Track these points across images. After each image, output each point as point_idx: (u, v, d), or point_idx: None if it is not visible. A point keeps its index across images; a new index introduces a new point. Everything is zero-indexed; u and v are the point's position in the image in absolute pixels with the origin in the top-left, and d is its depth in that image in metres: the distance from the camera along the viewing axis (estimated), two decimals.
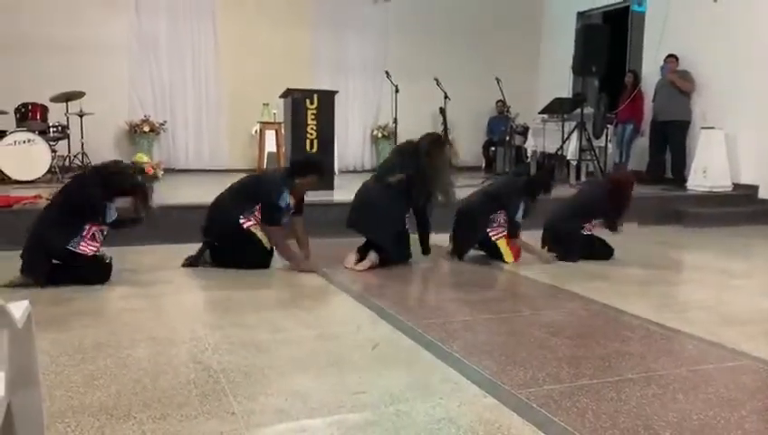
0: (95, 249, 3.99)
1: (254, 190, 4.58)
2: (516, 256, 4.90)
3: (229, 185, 4.72)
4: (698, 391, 2.48)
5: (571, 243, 5.01)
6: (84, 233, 3.93)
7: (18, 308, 1.53)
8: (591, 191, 5.59)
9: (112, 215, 4.03)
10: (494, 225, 4.91)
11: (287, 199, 4.53)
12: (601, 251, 5.08)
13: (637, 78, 9.10)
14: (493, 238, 4.90)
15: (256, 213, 4.48)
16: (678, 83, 8.26)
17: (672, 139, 8.40)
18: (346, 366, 2.68)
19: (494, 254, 4.93)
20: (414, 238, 4.89)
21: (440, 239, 5.26)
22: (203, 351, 2.82)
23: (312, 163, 4.82)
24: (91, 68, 8.82)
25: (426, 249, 4.91)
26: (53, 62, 8.63)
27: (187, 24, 9.60)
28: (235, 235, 4.43)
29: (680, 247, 5.91)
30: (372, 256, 4.56)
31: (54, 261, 3.91)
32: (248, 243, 4.42)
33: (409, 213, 4.82)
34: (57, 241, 3.87)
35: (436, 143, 4.80)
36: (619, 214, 5.07)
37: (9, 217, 5.16)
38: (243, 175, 4.97)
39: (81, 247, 3.92)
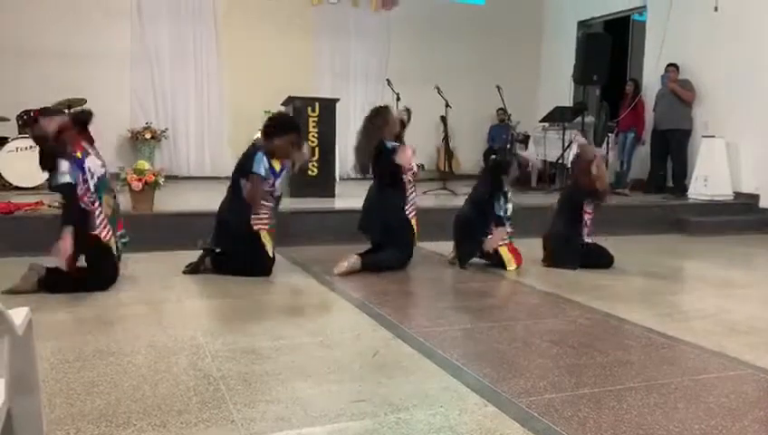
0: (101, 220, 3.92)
1: (238, 169, 4.52)
2: (518, 262, 4.91)
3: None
4: (700, 401, 2.47)
5: (570, 248, 5.01)
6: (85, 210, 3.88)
7: (18, 315, 1.53)
8: (567, 188, 5.65)
9: (58, 177, 3.80)
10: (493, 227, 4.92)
11: (265, 163, 4.40)
12: (602, 259, 5.08)
13: (638, 87, 9.12)
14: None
15: (261, 211, 4.45)
16: (679, 92, 8.28)
17: (673, 147, 8.41)
18: (346, 374, 2.67)
19: (495, 261, 4.93)
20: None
21: (441, 247, 5.26)
22: (203, 358, 2.81)
23: (281, 121, 4.70)
24: (93, 75, 8.85)
25: None
26: (56, 69, 8.66)
27: (189, 31, 9.64)
28: (246, 238, 4.38)
29: (682, 256, 5.90)
30: (353, 260, 4.53)
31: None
32: (253, 249, 4.40)
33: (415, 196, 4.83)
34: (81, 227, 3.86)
35: (373, 113, 4.84)
36: (587, 187, 5.02)
37: (11, 224, 5.17)
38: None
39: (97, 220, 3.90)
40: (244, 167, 4.43)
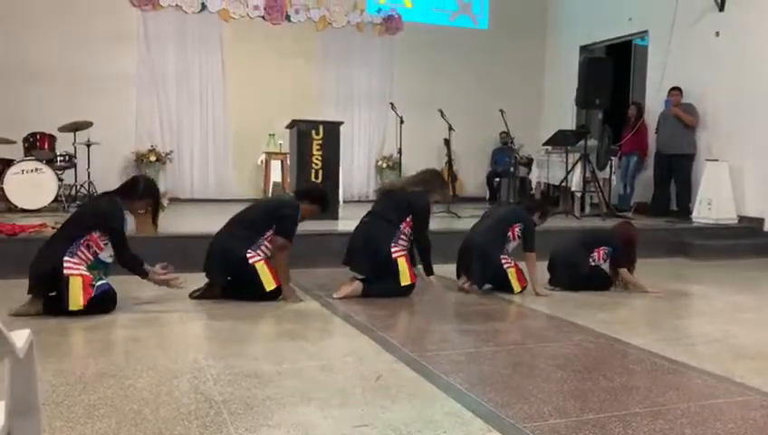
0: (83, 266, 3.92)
1: (273, 210, 4.53)
2: (523, 284, 4.91)
3: (232, 219, 4.60)
4: (707, 427, 2.43)
5: (576, 272, 5.01)
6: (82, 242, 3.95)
7: (20, 337, 1.52)
8: (600, 229, 5.62)
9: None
10: (505, 254, 4.94)
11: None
12: (604, 283, 5.08)
13: (640, 110, 9.15)
14: (504, 266, 4.89)
15: (263, 246, 4.43)
16: (683, 117, 8.28)
17: (677, 171, 8.41)
18: (349, 398, 2.65)
19: (501, 284, 4.91)
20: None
21: (444, 269, 5.24)
22: (205, 381, 2.79)
23: (321, 193, 4.82)
24: (99, 98, 8.93)
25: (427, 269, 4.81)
26: (63, 92, 8.74)
27: (195, 55, 9.73)
28: (243, 270, 4.34)
29: (686, 280, 5.87)
30: (354, 285, 4.57)
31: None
32: (257, 278, 4.34)
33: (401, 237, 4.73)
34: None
35: (437, 174, 5.16)
36: (628, 257, 5.10)
37: (16, 246, 5.17)
38: (246, 205, 4.89)
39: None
40: (287, 208, 4.50)
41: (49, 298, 3.86)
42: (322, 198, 4.76)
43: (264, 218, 4.49)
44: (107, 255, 4.02)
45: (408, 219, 4.69)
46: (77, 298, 3.79)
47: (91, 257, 3.95)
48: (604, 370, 3.11)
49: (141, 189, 4.18)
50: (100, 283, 3.93)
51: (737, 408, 2.65)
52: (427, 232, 4.78)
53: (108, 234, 3.98)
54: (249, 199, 8.32)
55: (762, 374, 3.09)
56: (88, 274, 3.88)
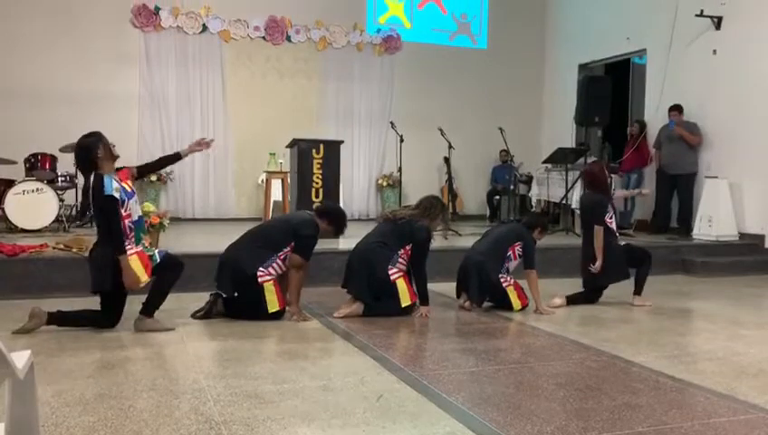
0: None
1: (293, 229, 4.52)
2: (524, 302, 4.90)
3: (249, 232, 4.65)
4: None
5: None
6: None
7: (20, 358, 1.52)
8: (591, 195, 5.43)
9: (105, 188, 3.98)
10: (505, 273, 4.94)
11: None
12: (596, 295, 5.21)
13: (642, 127, 9.16)
14: (503, 285, 4.89)
15: (276, 263, 4.44)
16: (687, 138, 8.28)
17: (680, 189, 8.41)
18: (350, 418, 2.63)
19: (501, 302, 4.91)
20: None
21: (444, 288, 5.24)
22: (205, 402, 2.78)
23: (341, 217, 4.79)
24: (100, 119, 8.92)
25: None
26: (64, 113, 8.79)
27: (196, 75, 9.80)
28: (251, 288, 4.36)
29: (688, 297, 5.86)
30: (354, 306, 4.59)
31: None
32: (263, 298, 4.37)
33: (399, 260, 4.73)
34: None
35: (439, 202, 5.13)
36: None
37: (17, 266, 5.18)
38: (249, 224, 4.91)
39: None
40: (305, 227, 4.51)
41: (48, 316, 3.85)
42: (340, 221, 4.75)
43: (283, 235, 4.51)
44: (134, 218, 4.05)
45: (407, 247, 4.71)
46: (141, 273, 3.95)
47: (126, 232, 3.97)
48: (607, 388, 3.09)
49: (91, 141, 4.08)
50: (152, 254, 4.08)
51: (741, 426, 2.64)
52: (424, 265, 4.75)
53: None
54: (250, 218, 8.35)
55: (765, 392, 3.07)
56: (140, 250, 4.00)
